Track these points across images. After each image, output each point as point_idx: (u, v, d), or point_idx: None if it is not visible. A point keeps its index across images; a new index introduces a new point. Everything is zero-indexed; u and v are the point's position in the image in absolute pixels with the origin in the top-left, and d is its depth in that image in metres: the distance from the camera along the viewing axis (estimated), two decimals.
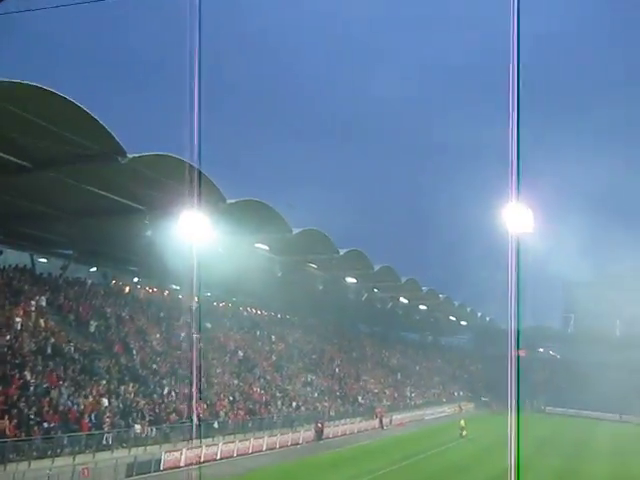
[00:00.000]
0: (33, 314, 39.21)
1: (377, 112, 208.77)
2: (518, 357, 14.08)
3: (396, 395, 75.83)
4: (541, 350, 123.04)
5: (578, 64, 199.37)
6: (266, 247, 46.94)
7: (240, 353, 55.59)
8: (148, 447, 33.90)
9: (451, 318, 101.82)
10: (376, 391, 71.72)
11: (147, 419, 35.54)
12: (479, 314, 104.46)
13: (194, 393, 40.01)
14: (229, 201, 36.98)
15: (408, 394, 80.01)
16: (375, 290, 72.19)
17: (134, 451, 32.82)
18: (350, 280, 64.14)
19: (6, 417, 28.89)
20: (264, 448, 41.69)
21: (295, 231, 44.73)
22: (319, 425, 49.55)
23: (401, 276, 68.41)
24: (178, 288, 59.86)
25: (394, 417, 65.31)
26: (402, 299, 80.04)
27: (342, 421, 55.83)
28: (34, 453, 28.75)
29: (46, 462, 28.47)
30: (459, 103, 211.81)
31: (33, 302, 40.42)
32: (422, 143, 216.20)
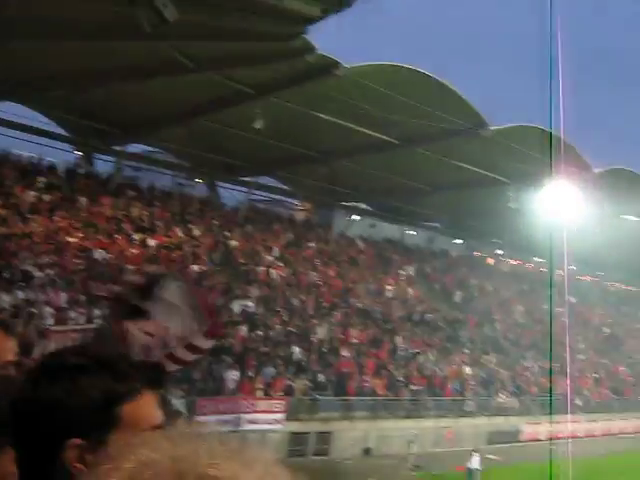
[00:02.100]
0: (402, 283, 41.61)
1: None
2: None
3: None
4: None
5: None
6: (636, 218, 44.05)
7: (605, 330, 53.16)
8: (509, 417, 34.16)
9: None
10: None
11: (508, 390, 35.81)
12: None
13: (554, 367, 39.26)
14: (595, 170, 35.45)
15: None
16: None
17: (495, 420, 33.30)
18: None
19: (378, 377, 31.22)
20: (630, 430, 39.56)
21: None
22: None
23: None
24: (542, 261, 58.85)
25: None
26: None
27: None
28: (401, 412, 30.67)
29: (412, 422, 30.12)
30: None
31: (402, 272, 42.86)
32: None
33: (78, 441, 1.39)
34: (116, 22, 22.59)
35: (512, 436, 32.68)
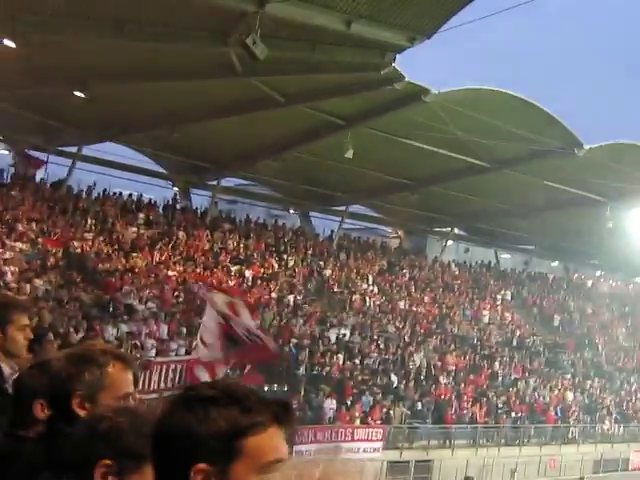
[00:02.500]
0: (499, 308, 41.01)
1: None
2: None
3: None
4: None
5: None
6: None
7: None
8: (615, 445, 33.01)
9: None
10: None
11: (613, 416, 34.64)
12: None
13: None
14: None
15: None
16: None
17: (600, 447, 32.24)
18: None
19: (477, 404, 30.76)
20: None
21: None
22: None
23: None
24: None
25: None
26: None
27: None
28: (502, 440, 30.10)
29: (514, 450, 29.54)
30: None
31: (499, 296, 42.25)
32: None
33: (204, 466, 1.53)
34: (208, 61, 23.44)
35: (620, 464, 31.58)
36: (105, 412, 2.25)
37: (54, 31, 20.75)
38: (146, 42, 21.32)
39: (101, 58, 23.34)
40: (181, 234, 32.14)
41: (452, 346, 34.36)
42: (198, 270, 30.21)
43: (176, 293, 27.87)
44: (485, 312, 39.42)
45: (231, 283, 30.41)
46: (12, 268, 22.43)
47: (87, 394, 2.61)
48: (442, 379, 31.33)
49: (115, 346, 20.68)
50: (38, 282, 23.10)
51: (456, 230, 45.10)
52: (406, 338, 33.27)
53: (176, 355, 24.47)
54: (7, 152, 32.13)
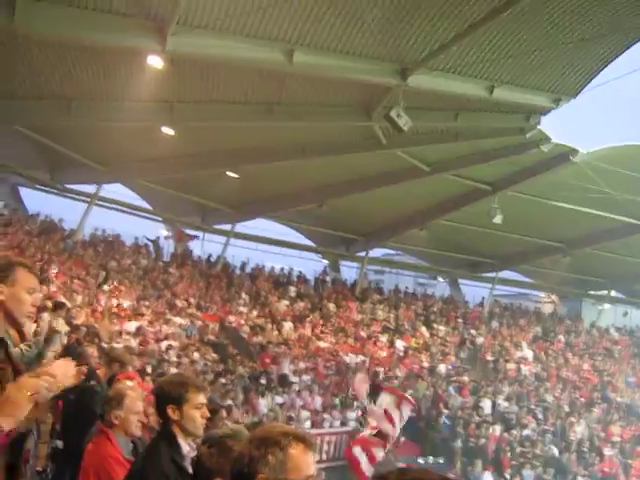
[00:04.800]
0: None
1: None
2: None
3: None
4: None
5: None
6: None
7: None
8: None
9: None
10: None
11: None
12: None
13: None
14: None
15: None
16: None
17: None
18: None
19: None
20: None
21: None
22: None
23: None
24: None
25: None
26: None
27: None
28: None
29: None
30: None
31: None
32: None
33: None
34: (353, 136, 24.00)
35: None
36: None
37: (208, 117, 21.95)
38: (293, 121, 22.17)
39: (251, 139, 24.43)
40: (331, 306, 32.60)
41: (616, 416, 32.50)
42: (349, 341, 30.42)
43: (328, 364, 28.11)
44: None
45: (383, 354, 30.40)
46: (174, 343, 23.35)
47: (271, 477, 2.71)
48: (607, 451, 29.59)
49: (272, 419, 21.10)
50: (197, 356, 23.92)
51: (613, 292, 43.18)
52: (566, 407, 31.84)
53: (330, 427, 24.55)
54: (167, 232, 33.93)
